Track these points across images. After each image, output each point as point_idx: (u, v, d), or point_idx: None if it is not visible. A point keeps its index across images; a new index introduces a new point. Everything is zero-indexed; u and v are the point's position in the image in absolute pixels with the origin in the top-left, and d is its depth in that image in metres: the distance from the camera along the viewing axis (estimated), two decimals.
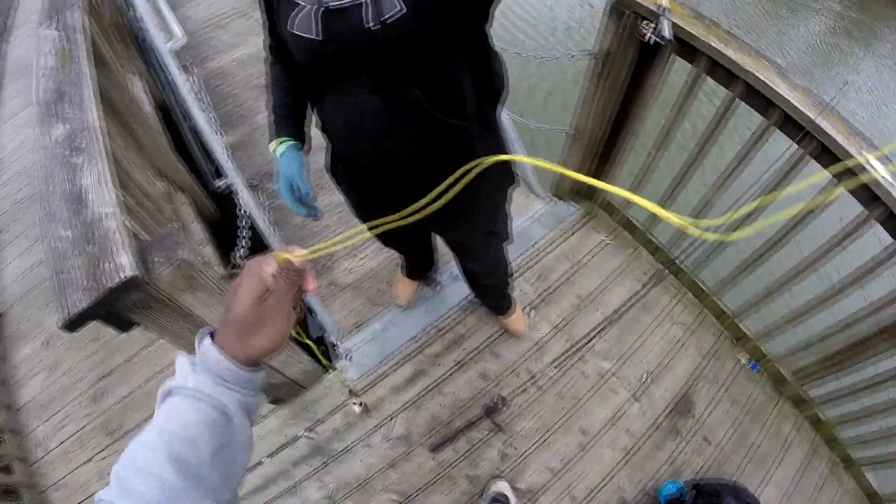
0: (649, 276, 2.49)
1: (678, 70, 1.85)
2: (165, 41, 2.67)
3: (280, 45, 1.15)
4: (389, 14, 0.89)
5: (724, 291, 2.29)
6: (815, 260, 1.78)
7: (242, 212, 2.32)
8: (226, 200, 2.72)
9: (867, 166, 1.39)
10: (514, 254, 2.53)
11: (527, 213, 2.71)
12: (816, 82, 6.41)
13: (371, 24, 0.90)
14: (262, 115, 3.57)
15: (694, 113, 1.95)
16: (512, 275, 2.11)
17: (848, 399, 1.97)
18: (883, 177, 1.38)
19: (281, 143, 1.26)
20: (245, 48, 4.29)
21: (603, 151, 2.35)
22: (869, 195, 1.46)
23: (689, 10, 1.70)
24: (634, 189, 2.31)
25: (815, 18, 8.04)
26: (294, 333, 1.02)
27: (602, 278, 2.49)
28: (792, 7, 8.89)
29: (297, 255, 0.63)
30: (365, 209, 1.48)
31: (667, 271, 2.47)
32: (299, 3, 0.95)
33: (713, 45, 1.63)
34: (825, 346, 1.92)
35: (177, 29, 2.95)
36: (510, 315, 2.29)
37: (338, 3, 0.91)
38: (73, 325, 1.07)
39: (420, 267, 2.37)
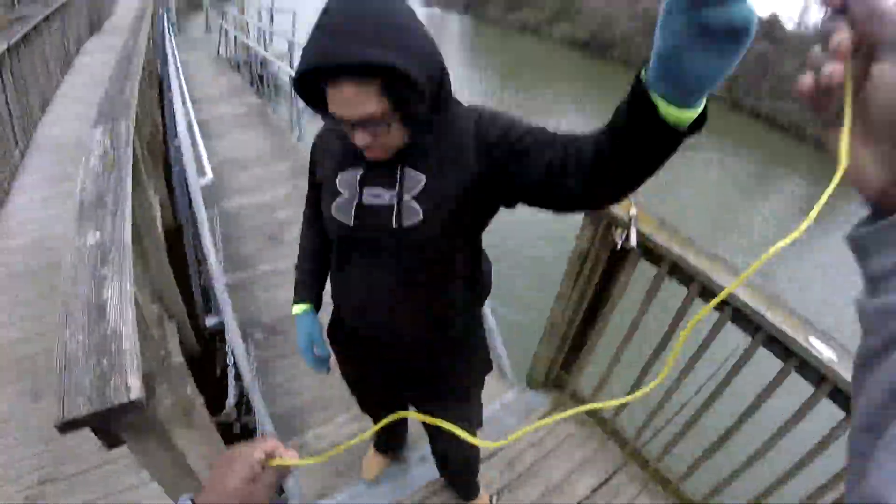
0: (616, 466, 2.56)
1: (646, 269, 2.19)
2: (198, 176, 2.79)
3: (317, 216, 1.35)
4: (410, 222, 1.09)
5: (688, 478, 2.38)
6: (772, 439, 1.97)
7: (231, 359, 2.31)
8: (207, 338, 2.71)
9: (813, 350, 1.70)
10: (484, 440, 2.56)
11: (498, 400, 2.83)
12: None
13: (394, 225, 1.10)
14: (265, 266, 3.73)
15: (658, 306, 2.26)
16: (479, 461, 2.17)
17: None
18: (830, 358, 1.68)
19: (303, 306, 1.47)
20: (261, 196, 4.57)
21: (574, 342, 2.62)
22: (818, 376, 1.73)
23: (656, 218, 2.13)
24: (603, 377, 2.56)
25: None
26: None
27: (569, 467, 2.55)
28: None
29: (291, 461, 0.73)
30: (356, 372, 1.64)
31: (632, 462, 2.57)
32: (341, 193, 1.15)
33: (674, 251, 2.01)
34: None
35: (208, 167, 3.16)
36: (476, 501, 2.31)
37: (371, 202, 1.12)
38: (66, 427, 1.09)
39: (391, 442, 2.44)
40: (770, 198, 14.32)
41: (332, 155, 1.21)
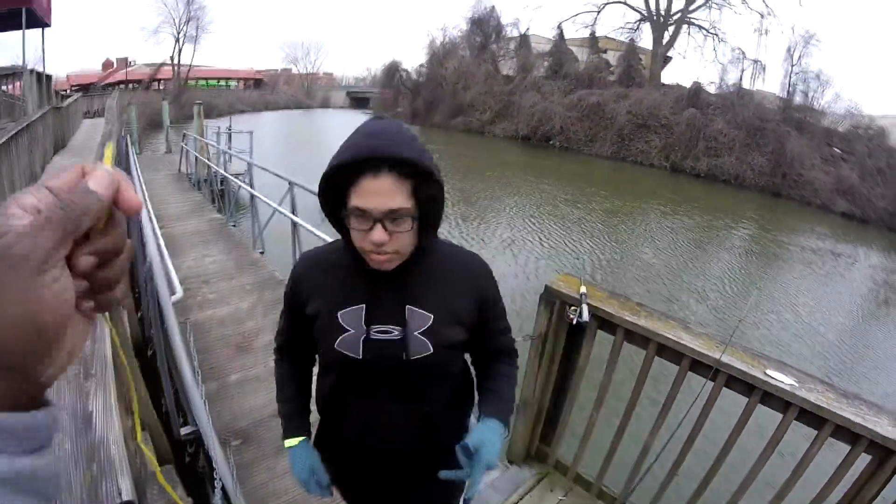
0: None
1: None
2: (169, 293, 2.86)
3: (299, 349, 1.41)
4: (420, 354, 1.17)
5: None
6: (751, 472, 2.06)
7: (212, 467, 2.30)
8: (181, 447, 2.69)
9: (772, 380, 1.85)
10: None
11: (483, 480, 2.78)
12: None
13: (404, 357, 1.17)
14: (235, 375, 3.75)
15: (624, 369, 2.40)
16: None
17: None
18: (789, 383, 1.83)
19: (298, 439, 1.45)
20: (226, 308, 4.63)
21: (548, 416, 2.68)
22: (784, 403, 1.87)
23: (605, 290, 2.29)
24: (581, 443, 2.61)
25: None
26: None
27: None
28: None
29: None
30: (346, 482, 1.61)
31: None
32: (348, 330, 1.18)
33: (626, 318, 2.17)
34: None
35: (178, 284, 3.20)
36: None
37: (379, 337, 1.18)
38: None
39: None
40: (723, 243, 15.09)
41: (324, 291, 1.24)
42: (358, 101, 60.46)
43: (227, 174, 9.33)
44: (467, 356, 1.42)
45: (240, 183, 8.35)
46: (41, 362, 0.36)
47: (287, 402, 1.47)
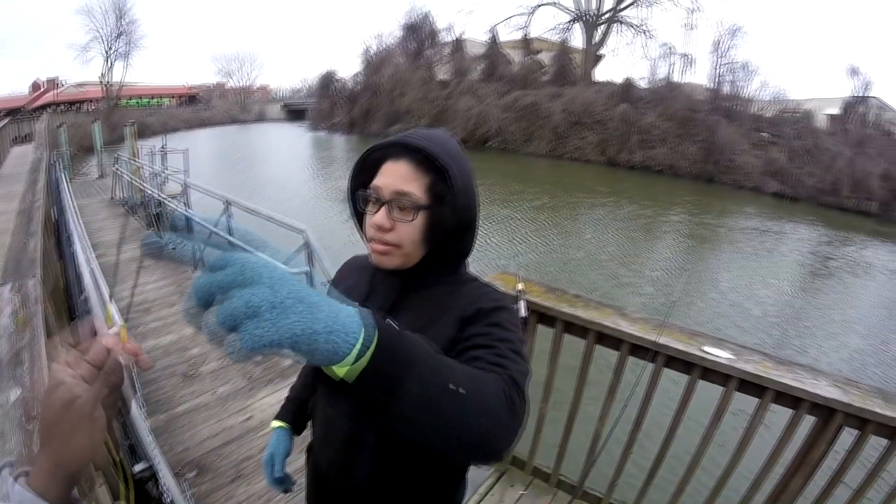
0: None
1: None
2: (108, 327, 2.69)
3: None
4: None
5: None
6: (703, 444, 2.13)
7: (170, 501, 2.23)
8: (140, 484, 2.60)
9: (709, 356, 1.91)
10: None
11: None
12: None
13: None
14: (184, 405, 3.62)
15: (572, 359, 2.40)
16: None
17: None
18: (727, 357, 1.90)
19: (278, 423, 1.42)
20: (169, 336, 4.44)
21: None
22: (723, 377, 1.94)
23: (543, 285, 2.29)
24: (534, 436, 2.63)
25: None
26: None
27: None
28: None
29: (117, 339, 0.60)
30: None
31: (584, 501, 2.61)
32: None
33: (564, 310, 2.18)
34: None
35: (117, 315, 2.96)
36: None
37: None
38: None
39: None
40: (657, 230, 15.60)
41: (340, 286, 1.24)
42: (294, 113, 59.03)
43: (162, 196, 8.99)
44: None
45: (175, 205, 8.09)
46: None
47: (292, 389, 1.49)
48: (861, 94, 31.30)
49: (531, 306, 2.26)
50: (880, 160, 26.31)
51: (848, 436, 1.93)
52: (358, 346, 0.54)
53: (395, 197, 1.00)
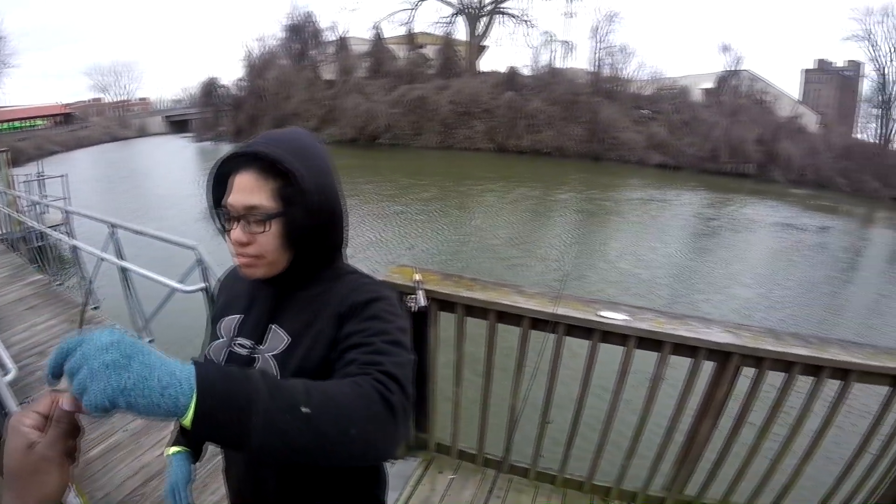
0: (503, 490, 2.62)
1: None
2: (1, 374, 2.64)
3: None
4: None
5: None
6: (615, 398, 2.21)
7: None
8: None
9: (606, 319, 1.98)
10: None
11: None
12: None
13: None
14: (97, 448, 3.40)
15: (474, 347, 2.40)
16: None
17: None
18: (623, 318, 1.98)
19: (175, 449, 1.29)
20: None
21: (416, 405, 2.60)
22: (622, 337, 2.03)
23: (439, 273, 2.26)
24: (454, 420, 2.64)
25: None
26: None
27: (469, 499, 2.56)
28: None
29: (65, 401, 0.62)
30: None
31: (511, 474, 2.67)
32: (220, 338, 1.12)
33: (463, 294, 2.16)
34: None
35: (10, 362, 3.04)
36: None
37: (236, 350, 1.08)
38: None
39: None
40: (552, 207, 16.18)
41: (225, 297, 1.21)
42: (177, 124, 55.82)
43: (43, 227, 8.20)
44: None
45: (59, 235, 7.40)
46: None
47: None
48: (733, 69, 34.44)
49: (430, 295, 2.22)
50: (754, 126, 29.12)
51: (748, 380, 2.12)
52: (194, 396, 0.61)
53: (246, 212, 0.99)
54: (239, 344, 1.09)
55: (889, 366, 2.00)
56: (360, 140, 29.55)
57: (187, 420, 0.60)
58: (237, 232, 1.00)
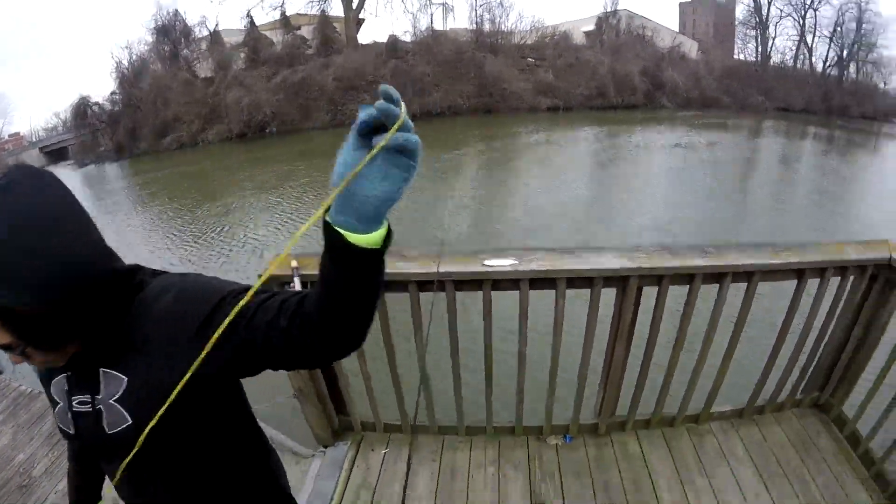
0: (436, 451, 2.63)
1: None
2: None
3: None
4: (118, 428, 0.91)
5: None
6: (521, 342, 2.17)
7: None
8: None
9: (493, 267, 1.93)
10: None
11: (308, 476, 2.61)
12: None
13: (107, 430, 0.92)
14: None
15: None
16: None
17: None
18: (510, 263, 1.95)
19: None
20: None
21: (331, 391, 2.53)
22: (513, 281, 2.00)
23: (317, 254, 2.08)
24: (369, 396, 2.58)
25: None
26: None
27: (399, 483, 2.50)
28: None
29: None
30: None
31: (443, 436, 2.70)
32: (58, 402, 0.99)
33: None
34: None
35: None
36: None
37: (79, 409, 0.95)
38: None
39: None
40: (441, 167, 15.99)
41: (51, 376, 1.04)
42: (54, 154, 51.34)
43: None
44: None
45: None
46: None
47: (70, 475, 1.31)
48: (611, 9, 35.77)
49: (311, 279, 2.04)
50: (638, 60, 30.45)
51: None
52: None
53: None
54: (78, 402, 0.96)
55: (792, 261, 2.07)
56: (249, 133, 28.24)
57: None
58: (14, 360, 0.87)
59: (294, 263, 2.03)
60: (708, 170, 15.27)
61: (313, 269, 2.04)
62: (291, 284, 2.01)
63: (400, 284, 2.03)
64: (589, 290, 2.08)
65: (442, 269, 1.90)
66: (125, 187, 21.16)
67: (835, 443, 2.53)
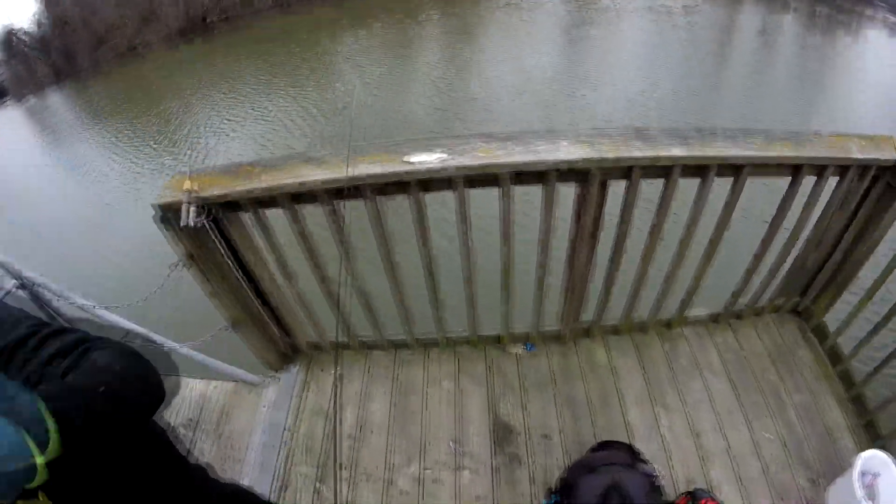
0: (389, 368, 2.51)
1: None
2: None
3: None
4: None
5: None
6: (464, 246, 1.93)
7: None
8: None
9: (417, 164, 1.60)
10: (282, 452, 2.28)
11: (259, 408, 2.47)
12: None
13: None
14: None
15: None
16: None
17: None
18: (438, 157, 1.62)
19: None
20: None
21: (269, 312, 2.29)
22: (446, 181, 1.71)
23: (216, 170, 1.72)
24: (307, 315, 2.36)
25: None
26: None
27: (357, 401, 2.40)
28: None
29: None
30: None
31: (397, 351, 2.55)
32: None
33: (241, 188, 1.65)
34: None
35: None
36: None
37: None
38: None
39: None
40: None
41: None
42: None
43: None
44: None
45: None
46: None
47: None
48: None
49: (211, 201, 1.66)
50: None
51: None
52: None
53: None
54: None
55: (787, 155, 1.74)
56: (193, 31, 23.74)
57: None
58: None
59: (187, 185, 1.64)
60: (685, 37, 13.98)
61: (216, 187, 1.68)
62: (187, 212, 1.64)
63: (309, 196, 1.69)
64: (542, 187, 1.76)
65: (356, 172, 1.55)
66: (77, 118, 17.88)
67: (813, 355, 2.39)
